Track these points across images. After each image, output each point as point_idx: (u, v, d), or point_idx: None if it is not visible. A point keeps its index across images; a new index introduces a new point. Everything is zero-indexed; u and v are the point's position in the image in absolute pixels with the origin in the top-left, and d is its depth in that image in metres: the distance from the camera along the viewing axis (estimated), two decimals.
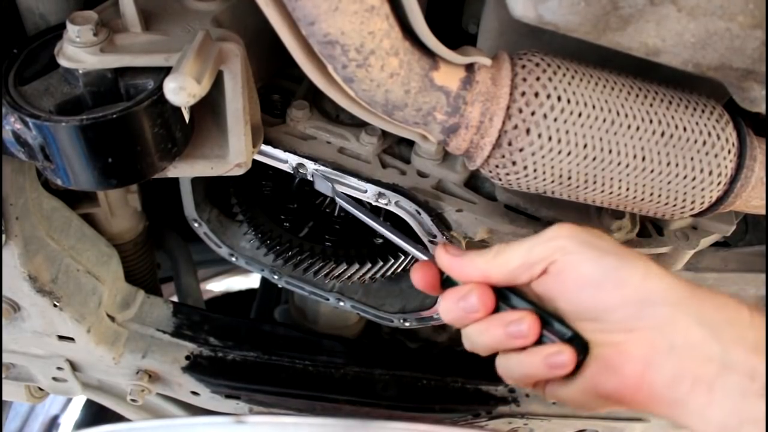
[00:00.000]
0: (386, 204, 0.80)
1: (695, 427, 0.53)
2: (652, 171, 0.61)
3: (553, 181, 0.62)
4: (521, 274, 0.59)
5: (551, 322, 0.58)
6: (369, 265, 0.93)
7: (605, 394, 0.57)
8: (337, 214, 1.02)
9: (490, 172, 0.63)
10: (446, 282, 0.65)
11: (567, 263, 0.56)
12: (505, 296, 0.61)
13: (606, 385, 0.56)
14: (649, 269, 0.55)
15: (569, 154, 0.59)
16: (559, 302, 0.58)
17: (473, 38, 0.79)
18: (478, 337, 0.61)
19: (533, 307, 0.59)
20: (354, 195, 0.81)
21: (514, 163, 0.60)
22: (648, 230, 0.85)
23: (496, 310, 0.60)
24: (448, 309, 0.62)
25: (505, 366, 0.61)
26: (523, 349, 0.59)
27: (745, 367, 0.50)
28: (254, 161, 0.75)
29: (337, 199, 0.77)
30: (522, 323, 0.57)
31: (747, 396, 0.50)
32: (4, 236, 0.77)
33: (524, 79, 0.58)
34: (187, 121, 0.65)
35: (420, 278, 0.66)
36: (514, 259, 0.59)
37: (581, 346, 0.57)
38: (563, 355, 0.56)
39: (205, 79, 0.53)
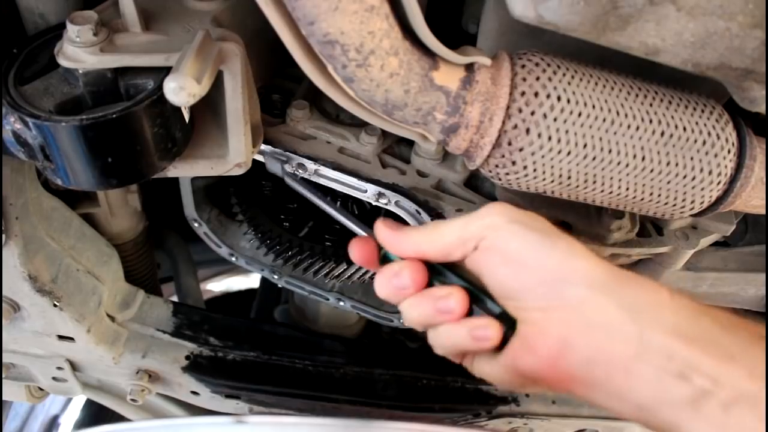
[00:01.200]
0: (386, 204, 0.80)
1: (613, 408, 0.53)
2: (651, 171, 0.61)
3: (552, 181, 0.62)
4: (455, 250, 0.59)
5: (482, 298, 0.58)
6: None
7: (524, 372, 0.56)
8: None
9: (490, 171, 0.63)
10: (384, 258, 0.65)
11: (495, 240, 0.57)
12: (439, 272, 0.61)
13: (524, 363, 0.56)
14: (572, 249, 0.55)
15: (569, 153, 0.59)
16: (486, 278, 0.58)
17: (473, 38, 0.79)
18: (409, 312, 0.61)
19: (464, 282, 0.60)
20: (354, 195, 0.81)
21: (513, 163, 0.60)
22: (648, 230, 0.85)
23: (430, 286, 0.61)
24: (382, 285, 0.62)
25: (434, 336, 0.62)
26: None
27: (662, 349, 0.50)
28: (254, 161, 0.75)
29: (287, 180, 0.77)
30: (450, 299, 0.58)
31: (664, 378, 0.50)
32: (4, 236, 0.77)
33: (524, 79, 0.58)
34: (187, 121, 0.65)
35: (358, 253, 0.66)
36: (449, 234, 0.59)
37: (509, 323, 0.57)
38: (489, 329, 0.56)
39: (205, 79, 0.53)
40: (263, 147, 0.79)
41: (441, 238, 0.60)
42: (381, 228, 0.64)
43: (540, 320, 0.54)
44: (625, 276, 0.54)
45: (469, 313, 0.59)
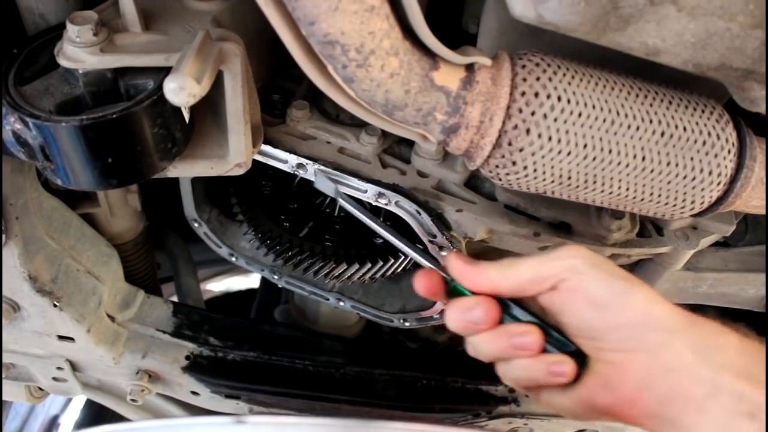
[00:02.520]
0: (386, 204, 0.80)
1: None
2: (652, 171, 0.61)
3: (553, 181, 0.62)
4: (530, 288, 0.62)
5: (554, 334, 0.62)
6: (369, 265, 0.93)
7: (600, 407, 0.61)
8: (337, 214, 1.02)
9: (490, 172, 0.63)
10: (453, 290, 0.67)
11: (577, 283, 0.60)
12: (508, 306, 0.64)
13: (602, 399, 0.60)
14: (652, 296, 0.59)
15: (569, 154, 0.59)
16: (565, 317, 0.61)
17: (473, 38, 0.79)
18: (482, 347, 0.64)
19: (537, 319, 0.63)
20: (354, 195, 0.81)
21: (514, 163, 0.60)
22: (648, 230, 0.85)
23: (501, 320, 0.64)
24: (454, 319, 0.64)
25: (506, 369, 0.65)
26: None
27: (733, 390, 0.55)
28: (254, 161, 0.75)
29: (340, 201, 0.77)
30: (527, 336, 0.61)
31: (735, 416, 0.54)
32: (4, 236, 0.77)
33: (524, 79, 0.58)
34: (187, 121, 0.65)
35: (423, 285, 0.68)
36: (526, 272, 0.62)
37: (581, 360, 0.61)
38: (565, 365, 0.61)
39: (205, 79, 0.53)
40: (317, 166, 0.79)
41: (517, 276, 0.62)
42: (455, 261, 0.65)
43: (620, 361, 0.59)
44: (698, 321, 0.59)
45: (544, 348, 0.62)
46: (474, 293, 0.64)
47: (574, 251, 0.62)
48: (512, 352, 0.62)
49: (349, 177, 0.80)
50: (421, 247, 0.73)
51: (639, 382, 0.58)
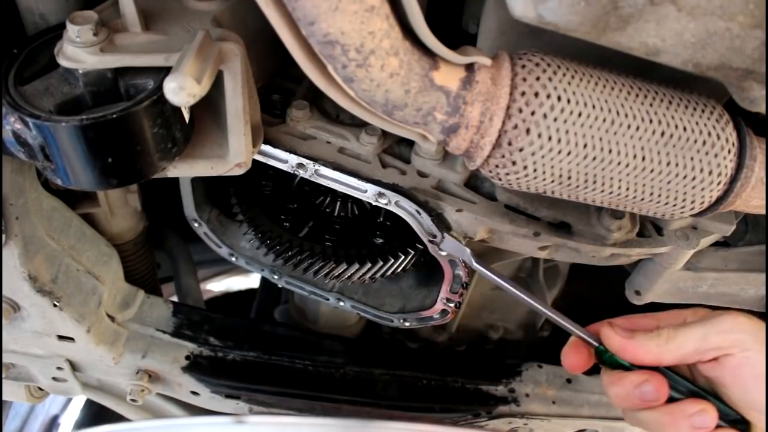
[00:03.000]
0: (386, 204, 0.80)
1: None
2: (652, 171, 0.61)
3: (553, 181, 0.62)
4: (692, 358, 0.63)
5: (718, 405, 0.62)
6: (369, 265, 0.93)
7: None
8: (337, 213, 1.02)
9: (490, 172, 0.63)
10: (608, 361, 0.66)
11: (744, 360, 0.61)
12: (667, 376, 0.63)
13: None
14: None
15: (569, 154, 0.59)
16: (732, 391, 0.62)
17: (473, 38, 0.79)
18: (656, 426, 0.63)
19: (699, 390, 0.63)
20: (354, 195, 0.81)
21: (514, 163, 0.60)
22: (648, 230, 0.85)
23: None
24: (620, 395, 0.64)
25: None
26: None
27: None
28: (254, 161, 0.75)
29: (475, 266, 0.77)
30: (705, 415, 0.62)
31: None
32: (4, 236, 0.77)
33: (524, 79, 0.58)
34: (187, 121, 0.65)
35: (572, 361, 0.68)
36: (688, 345, 0.62)
37: (744, 429, 0.62)
38: None
39: (205, 79, 0.53)
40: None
41: (679, 349, 0.62)
42: (612, 335, 0.65)
43: None
44: None
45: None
46: (632, 365, 0.64)
47: (738, 324, 0.61)
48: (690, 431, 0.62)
49: (349, 177, 0.80)
50: (575, 327, 0.71)
51: None
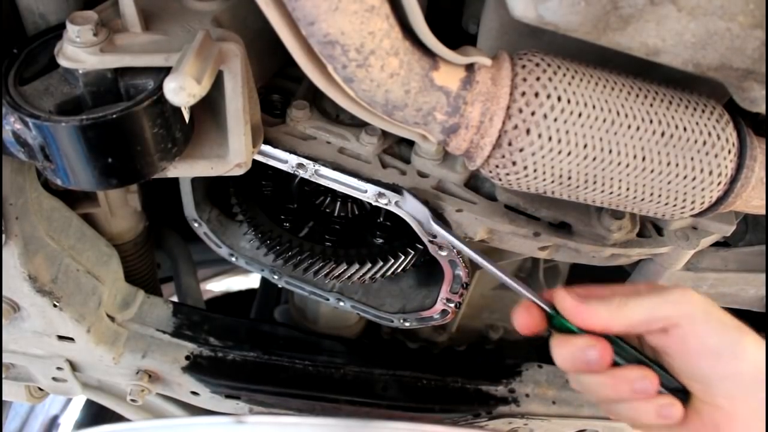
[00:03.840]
0: (386, 204, 0.80)
1: None
2: (652, 171, 0.61)
3: (553, 181, 0.62)
4: (639, 328, 0.64)
5: (661, 373, 0.64)
6: (369, 265, 0.93)
7: None
8: (337, 214, 1.02)
9: (490, 172, 0.63)
10: (558, 326, 0.67)
11: (692, 331, 0.62)
12: (615, 343, 0.65)
13: None
14: (761, 345, 0.62)
15: (569, 154, 0.59)
16: (674, 360, 0.64)
17: (473, 38, 0.79)
18: (597, 388, 0.65)
19: (643, 359, 0.65)
20: (354, 195, 0.81)
21: (514, 163, 0.60)
22: (648, 230, 0.85)
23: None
24: (565, 358, 0.65)
25: (615, 409, 0.66)
26: None
27: None
28: (254, 161, 0.75)
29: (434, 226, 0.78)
30: (646, 381, 0.63)
31: None
32: (3, 236, 0.77)
33: (524, 79, 0.58)
34: (187, 121, 0.65)
35: (523, 321, 0.68)
36: (638, 314, 0.63)
37: (684, 398, 0.64)
38: (675, 408, 0.63)
39: (205, 79, 0.53)
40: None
41: (629, 317, 0.63)
42: (565, 298, 0.66)
43: (730, 407, 0.61)
44: None
45: None
46: (581, 330, 0.65)
47: (687, 296, 0.63)
48: (631, 396, 0.63)
49: (349, 177, 0.80)
50: (524, 286, 0.71)
51: (746, 426, 0.61)
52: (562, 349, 0.66)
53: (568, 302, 0.66)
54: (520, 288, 0.70)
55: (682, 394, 0.64)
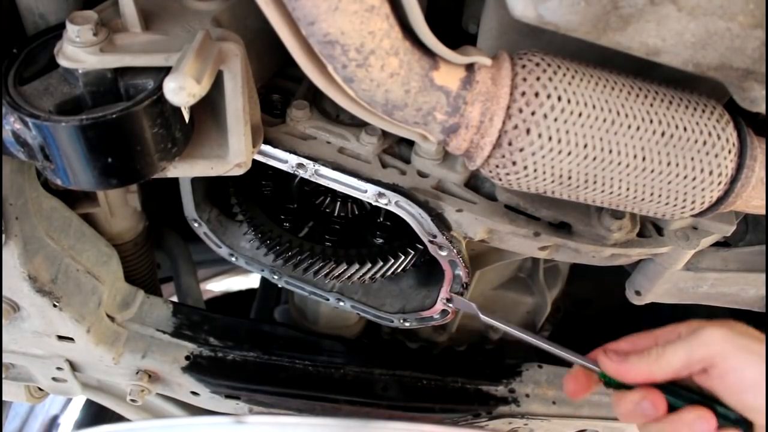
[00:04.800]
0: (386, 204, 0.80)
1: None
2: (652, 171, 0.61)
3: (553, 181, 0.62)
4: (681, 373, 0.68)
5: (716, 408, 0.67)
6: (369, 265, 0.93)
7: None
8: (337, 214, 1.02)
9: (490, 172, 0.63)
10: (610, 383, 0.72)
11: (729, 368, 0.65)
12: (669, 389, 0.69)
13: None
14: None
15: (569, 154, 0.59)
16: (725, 397, 0.66)
17: (473, 38, 0.79)
18: None
19: (697, 397, 0.68)
20: (354, 195, 0.81)
21: (514, 163, 0.60)
22: (648, 230, 0.85)
23: (669, 405, 0.68)
24: (626, 414, 0.70)
25: None
26: None
27: None
28: (254, 161, 0.75)
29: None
30: (703, 422, 0.66)
31: None
32: (3, 236, 0.77)
33: (524, 79, 0.58)
34: (187, 121, 0.65)
35: (573, 388, 0.75)
36: (675, 362, 0.67)
37: (746, 427, 0.66)
38: None
39: (205, 79, 0.53)
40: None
41: (668, 366, 0.68)
42: (606, 362, 0.71)
43: None
44: None
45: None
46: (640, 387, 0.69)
47: (717, 335, 0.66)
48: None
49: (349, 177, 0.80)
50: (573, 355, 0.76)
51: None
52: (620, 406, 0.70)
53: (610, 365, 0.71)
54: (570, 356, 0.75)
55: (744, 425, 0.65)
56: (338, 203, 1.02)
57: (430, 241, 0.82)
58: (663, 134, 0.60)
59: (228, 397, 1.09)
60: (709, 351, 0.66)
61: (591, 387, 0.75)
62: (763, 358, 0.64)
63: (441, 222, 0.81)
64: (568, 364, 0.77)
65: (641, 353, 0.69)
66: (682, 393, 0.68)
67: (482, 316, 0.85)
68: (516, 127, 0.58)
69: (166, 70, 0.58)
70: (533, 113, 0.57)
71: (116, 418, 1.29)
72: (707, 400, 0.67)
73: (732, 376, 0.65)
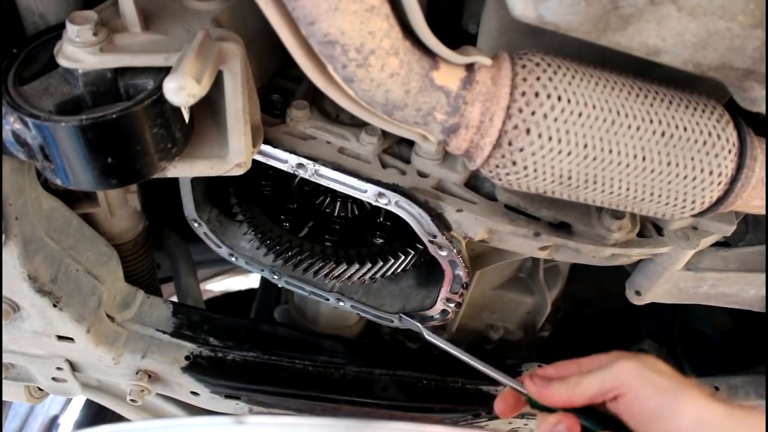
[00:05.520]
0: (386, 204, 0.80)
1: None
2: (652, 171, 0.61)
3: (553, 181, 0.62)
4: (596, 399, 0.75)
5: None
6: (369, 265, 0.93)
7: None
8: (337, 214, 1.02)
9: (490, 172, 0.63)
10: (536, 405, 0.80)
11: (634, 398, 0.72)
12: (585, 414, 0.76)
13: None
14: (699, 401, 0.69)
15: (569, 154, 0.59)
16: (632, 424, 0.73)
17: (473, 38, 0.79)
18: None
19: (613, 424, 0.74)
20: (354, 195, 0.81)
21: (514, 163, 0.60)
22: (648, 230, 0.85)
23: (584, 428, 0.76)
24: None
25: None
26: None
27: None
28: (254, 161, 0.75)
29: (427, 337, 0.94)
30: None
31: None
32: (3, 236, 0.77)
33: (524, 79, 0.58)
34: (186, 121, 0.65)
35: (503, 407, 0.83)
36: (590, 389, 0.74)
37: None
38: None
39: (205, 79, 0.53)
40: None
41: (584, 393, 0.75)
42: (530, 386, 0.79)
43: None
44: (740, 415, 0.69)
45: None
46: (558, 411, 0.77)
47: (627, 366, 0.73)
48: None
49: (349, 177, 0.80)
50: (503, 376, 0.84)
51: None
52: (540, 426, 0.78)
53: (533, 389, 0.79)
54: (500, 377, 0.83)
55: None
56: (338, 203, 1.02)
57: (430, 241, 0.82)
58: (663, 134, 0.60)
59: (228, 397, 1.09)
60: (619, 381, 0.72)
61: (519, 407, 0.83)
62: (665, 391, 0.70)
63: (441, 222, 0.81)
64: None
65: (563, 380, 0.77)
66: (597, 418, 0.75)
67: (426, 335, 0.95)
68: (516, 127, 0.58)
69: (166, 70, 0.58)
70: (533, 113, 0.57)
71: (116, 418, 1.29)
72: (619, 426, 0.73)
73: (636, 405, 0.72)
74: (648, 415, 0.71)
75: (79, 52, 0.59)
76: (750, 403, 1.13)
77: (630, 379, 0.73)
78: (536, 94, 0.57)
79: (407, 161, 0.83)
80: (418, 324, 0.99)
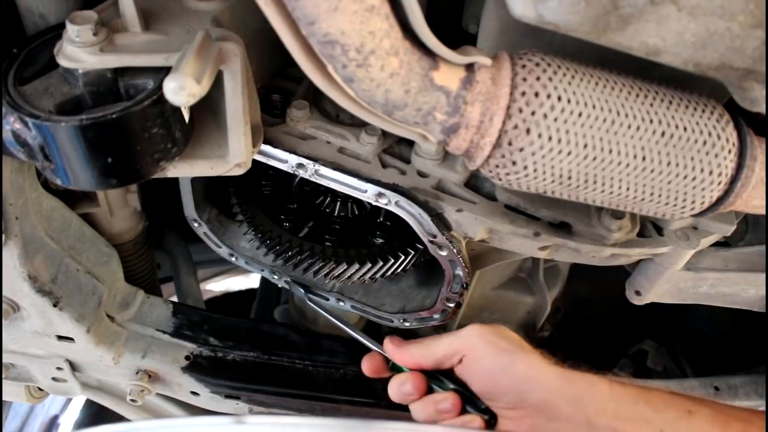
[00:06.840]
0: (386, 204, 0.80)
1: None
2: (652, 171, 0.61)
3: (553, 181, 0.62)
4: (445, 362, 0.78)
5: (469, 398, 0.77)
6: (369, 265, 0.93)
7: None
8: (337, 214, 1.02)
9: (490, 172, 0.63)
10: (393, 368, 0.84)
11: (474, 358, 0.76)
12: (436, 378, 0.80)
13: None
14: (534, 362, 0.74)
15: (569, 153, 0.59)
16: (472, 384, 0.77)
17: (473, 38, 0.79)
18: (416, 413, 0.80)
19: (455, 386, 0.78)
20: (354, 195, 0.81)
21: (514, 163, 0.60)
22: (648, 230, 0.85)
23: (430, 389, 0.79)
24: (393, 391, 0.81)
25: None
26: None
27: (608, 428, 0.69)
28: (254, 161, 0.75)
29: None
30: (447, 402, 0.77)
31: None
32: (3, 236, 0.77)
33: (524, 79, 0.58)
34: (186, 121, 0.65)
35: (368, 367, 0.86)
36: (439, 350, 0.78)
37: (491, 416, 0.76)
38: (475, 422, 0.76)
39: (205, 79, 0.53)
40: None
41: (433, 354, 0.79)
42: (388, 345, 0.83)
43: (513, 416, 0.74)
44: (573, 377, 0.72)
45: (463, 408, 0.77)
46: (410, 369, 0.81)
47: (474, 330, 0.77)
48: (439, 416, 0.77)
49: (349, 177, 0.80)
50: (366, 338, 0.90)
51: (530, 430, 0.72)
52: (390, 387, 0.81)
53: (390, 347, 0.82)
54: (363, 339, 0.89)
55: (489, 414, 0.75)
56: (338, 203, 1.02)
57: (430, 241, 0.82)
58: (663, 134, 0.60)
59: (228, 397, 1.09)
60: (463, 342, 0.76)
61: (384, 370, 0.85)
62: (503, 351, 0.74)
63: (441, 222, 0.81)
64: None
65: (417, 342, 0.80)
66: (444, 382, 0.78)
67: (308, 300, 1.04)
68: (516, 127, 0.58)
69: (166, 70, 0.58)
70: (533, 113, 0.57)
71: (116, 418, 1.29)
72: (465, 390, 0.77)
73: (476, 365, 0.75)
74: (485, 373, 0.74)
75: (79, 52, 0.59)
76: (750, 403, 1.13)
77: (473, 340, 0.76)
78: (536, 94, 0.57)
79: (407, 161, 0.83)
80: (301, 290, 1.04)
